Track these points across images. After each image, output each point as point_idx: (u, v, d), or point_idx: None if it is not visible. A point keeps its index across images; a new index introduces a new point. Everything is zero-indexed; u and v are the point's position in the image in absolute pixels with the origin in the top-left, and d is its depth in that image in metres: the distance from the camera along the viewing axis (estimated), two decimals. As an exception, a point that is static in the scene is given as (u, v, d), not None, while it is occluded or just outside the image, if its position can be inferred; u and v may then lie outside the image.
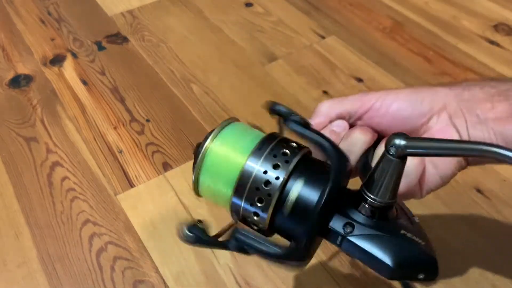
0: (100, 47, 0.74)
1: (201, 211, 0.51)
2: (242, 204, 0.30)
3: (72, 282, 0.46)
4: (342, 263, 0.46)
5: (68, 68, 0.71)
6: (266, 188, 0.29)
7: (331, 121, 0.35)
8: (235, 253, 0.47)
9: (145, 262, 0.47)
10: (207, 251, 0.48)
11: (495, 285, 0.45)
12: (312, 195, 0.29)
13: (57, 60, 0.72)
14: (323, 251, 0.47)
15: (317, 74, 0.68)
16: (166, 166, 0.56)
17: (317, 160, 0.32)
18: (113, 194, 0.53)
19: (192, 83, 0.67)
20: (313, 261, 0.47)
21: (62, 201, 0.53)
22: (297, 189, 0.29)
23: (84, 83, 0.68)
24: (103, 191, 0.54)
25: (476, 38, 0.73)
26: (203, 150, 0.32)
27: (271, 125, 0.64)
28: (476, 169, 0.54)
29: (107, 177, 0.55)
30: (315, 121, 0.35)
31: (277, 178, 0.29)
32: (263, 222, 0.30)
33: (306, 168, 0.30)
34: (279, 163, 0.30)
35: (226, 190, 0.31)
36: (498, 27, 0.75)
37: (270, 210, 0.29)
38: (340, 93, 0.64)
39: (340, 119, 0.34)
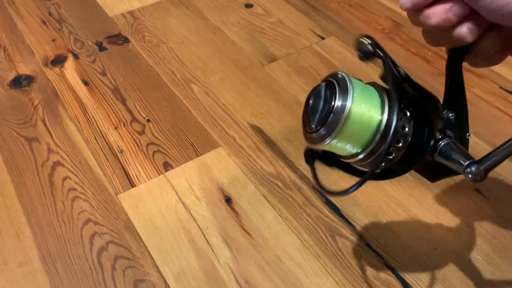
0: (101, 48, 0.74)
1: (201, 211, 0.51)
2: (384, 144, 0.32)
3: (73, 281, 0.46)
4: (342, 263, 0.47)
5: (69, 68, 0.71)
6: (403, 131, 0.33)
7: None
8: (235, 253, 0.48)
9: (145, 262, 0.47)
10: (207, 251, 0.48)
11: (494, 285, 0.45)
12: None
13: (58, 61, 0.72)
14: (323, 251, 0.48)
15: (316, 74, 0.68)
16: (167, 166, 0.56)
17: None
18: (114, 194, 0.54)
19: (193, 84, 0.67)
20: (313, 261, 0.47)
21: (63, 201, 0.53)
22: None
23: (85, 83, 0.68)
24: (104, 191, 0.54)
25: (475, 39, 0.73)
26: (345, 112, 0.32)
27: (271, 125, 0.65)
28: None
29: (108, 177, 0.55)
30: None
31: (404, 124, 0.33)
32: (396, 157, 0.34)
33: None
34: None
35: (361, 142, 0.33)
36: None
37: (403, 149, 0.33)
38: (339, 93, 0.64)
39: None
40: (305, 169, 0.55)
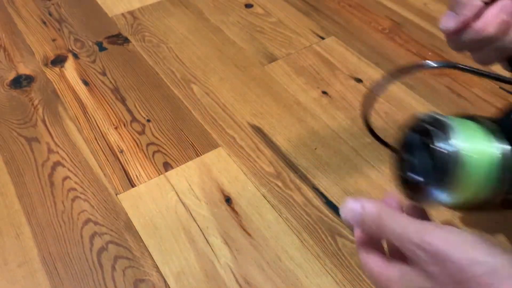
0: (101, 48, 0.74)
1: (201, 211, 0.51)
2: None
3: (73, 281, 0.46)
4: (342, 263, 0.47)
5: (69, 68, 0.71)
6: None
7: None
8: (235, 253, 0.48)
9: (145, 262, 0.47)
10: (207, 251, 0.48)
11: (493, 284, 0.45)
12: None
13: (58, 61, 0.72)
14: (323, 251, 0.48)
15: (316, 74, 0.68)
16: (167, 166, 0.56)
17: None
18: (114, 194, 0.54)
19: (193, 84, 0.67)
20: (313, 261, 0.47)
21: (63, 201, 0.53)
22: None
23: (85, 83, 0.68)
24: (104, 191, 0.54)
25: (475, 39, 0.73)
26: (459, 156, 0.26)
27: (271, 125, 0.65)
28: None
29: (108, 177, 0.55)
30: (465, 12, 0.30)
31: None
32: None
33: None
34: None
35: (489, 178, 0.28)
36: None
37: None
38: (339, 93, 0.64)
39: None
40: (305, 169, 0.55)
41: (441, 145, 0.26)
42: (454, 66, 0.29)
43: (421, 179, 0.28)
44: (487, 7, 0.30)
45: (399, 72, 0.31)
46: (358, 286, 0.45)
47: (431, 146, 0.27)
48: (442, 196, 0.27)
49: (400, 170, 0.30)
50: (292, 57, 0.71)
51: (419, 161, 0.28)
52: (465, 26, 0.32)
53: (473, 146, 0.27)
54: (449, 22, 0.32)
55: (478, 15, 0.31)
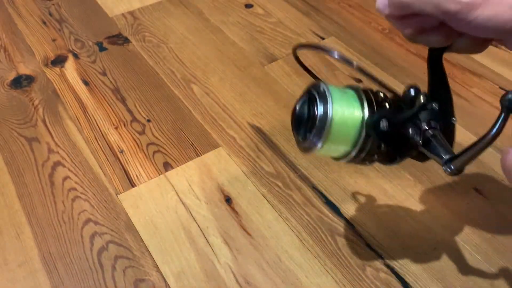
0: (101, 48, 0.74)
1: (201, 211, 0.52)
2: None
3: (73, 281, 0.46)
4: (342, 263, 0.47)
5: (70, 68, 0.71)
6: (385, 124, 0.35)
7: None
8: (235, 253, 0.48)
9: (146, 261, 0.48)
10: (207, 251, 0.48)
11: (493, 284, 0.45)
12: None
13: (58, 61, 0.72)
14: (323, 251, 0.48)
15: (316, 74, 0.68)
16: (167, 166, 0.56)
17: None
18: (114, 194, 0.54)
19: (193, 84, 0.67)
20: (313, 260, 0.47)
21: (63, 201, 0.53)
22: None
23: (86, 83, 0.68)
24: (104, 191, 0.54)
25: (475, 39, 0.73)
26: (328, 119, 0.34)
27: (271, 125, 0.65)
28: (475, 169, 0.55)
29: (108, 177, 0.55)
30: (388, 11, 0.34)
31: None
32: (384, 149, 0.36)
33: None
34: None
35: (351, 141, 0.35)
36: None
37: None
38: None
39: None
40: (305, 169, 0.55)
41: (317, 108, 0.34)
42: (351, 63, 0.36)
43: (303, 132, 0.36)
44: None
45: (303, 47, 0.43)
46: (358, 286, 0.45)
47: (311, 108, 0.35)
48: (319, 147, 0.35)
49: (292, 126, 0.37)
50: (292, 57, 0.71)
51: (303, 118, 0.36)
52: (390, 18, 0.35)
53: (343, 111, 0.34)
54: (383, 7, 0.34)
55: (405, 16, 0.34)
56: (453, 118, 0.37)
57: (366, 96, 0.35)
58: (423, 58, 0.69)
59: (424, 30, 0.34)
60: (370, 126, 0.34)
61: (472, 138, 0.56)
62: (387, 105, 0.35)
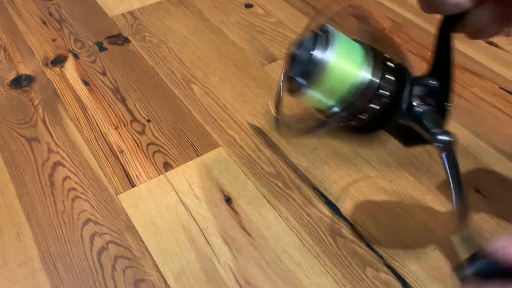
0: (101, 48, 0.74)
1: (201, 211, 0.52)
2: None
3: (73, 281, 0.46)
4: (342, 263, 0.47)
5: (69, 68, 0.71)
6: (379, 92, 0.33)
7: None
8: (235, 253, 0.48)
9: (146, 261, 0.48)
10: (207, 251, 0.48)
11: (493, 284, 0.45)
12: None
13: (58, 61, 0.72)
14: (323, 251, 0.48)
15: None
16: (167, 166, 0.56)
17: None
18: (114, 194, 0.54)
19: (193, 84, 0.67)
20: (313, 260, 0.47)
21: (63, 201, 0.53)
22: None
23: (85, 83, 0.68)
24: (104, 191, 0.54)
25: (475, 39, 0.73)
26: (324, 64, 0.32)
27: (271, 124, 0.65)
28: (475, 169, 0.55)
29: (108, 177, 0.55)
30: None
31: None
32: (369, 116, 0.34)
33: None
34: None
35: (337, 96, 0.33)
36: (497, 28, 0.75)
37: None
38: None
39: None
40: (305, 169, 0.55)
41: (315, 52, 0.32)
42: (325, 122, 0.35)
43: (295, 71, 0.33)
44: None
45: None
46: (358, 286, 0.45)
47: (310, 49, 0.32)
48: (305, 91, 0.32)
49: (286, 61, 0.35)
50: (292, 57, 0.71)
51: (300, 57, 0.33)
52: None
53: (341, 63, 0.31)
54: None
55: None
56: (448, 103, 0.36)
57: (374, 57, 0.33)
58: (424, 58, 0.70)
59: None
60: (362, 92, 0.32)
61: (472, 138, 0.56)
62: (390, 77, 0.33)
